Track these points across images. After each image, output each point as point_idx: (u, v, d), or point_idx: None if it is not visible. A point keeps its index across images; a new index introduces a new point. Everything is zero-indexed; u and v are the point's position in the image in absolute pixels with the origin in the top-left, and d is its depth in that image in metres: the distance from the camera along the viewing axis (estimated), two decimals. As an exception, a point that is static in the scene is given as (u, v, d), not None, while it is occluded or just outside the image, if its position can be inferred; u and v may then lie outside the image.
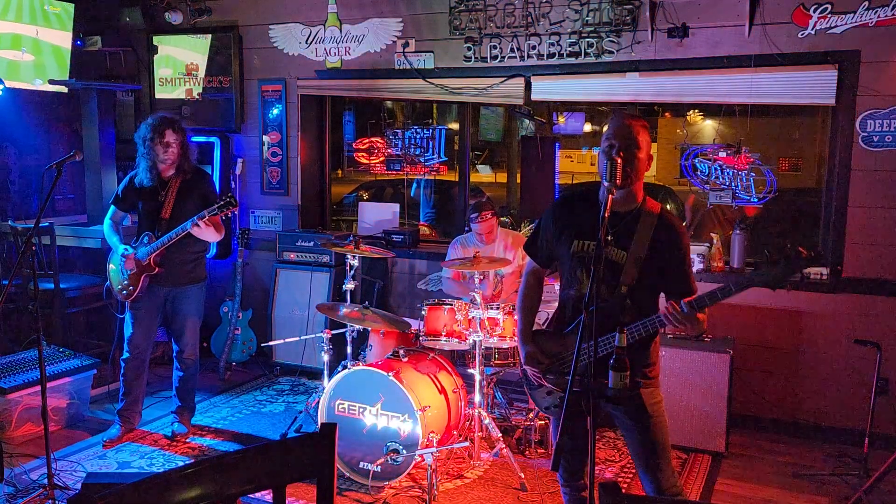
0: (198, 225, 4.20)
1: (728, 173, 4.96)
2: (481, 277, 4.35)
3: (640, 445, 2.76)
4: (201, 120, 6.44)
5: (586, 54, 5.10)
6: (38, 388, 3.88)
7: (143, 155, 4.37)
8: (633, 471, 4.24)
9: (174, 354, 4.68)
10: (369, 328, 4.49)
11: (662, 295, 2.74)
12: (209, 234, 4.34)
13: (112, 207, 4.58)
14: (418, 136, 6.11)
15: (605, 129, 2.70)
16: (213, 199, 4.45)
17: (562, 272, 2.85)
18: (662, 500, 2.57)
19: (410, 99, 6.14)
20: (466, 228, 5.37)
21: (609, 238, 2.61)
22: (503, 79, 5.36)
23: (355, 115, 6.93)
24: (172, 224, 4.31)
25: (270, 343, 5.68)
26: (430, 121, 7.03)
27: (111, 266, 4.54)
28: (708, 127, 5.62)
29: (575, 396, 2.26)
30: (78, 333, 6.01)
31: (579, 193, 2.85)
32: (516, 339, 3.08)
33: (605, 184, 2.50)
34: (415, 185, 6.86)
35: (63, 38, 6.01)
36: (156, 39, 6.44)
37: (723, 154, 4.98)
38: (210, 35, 6.27)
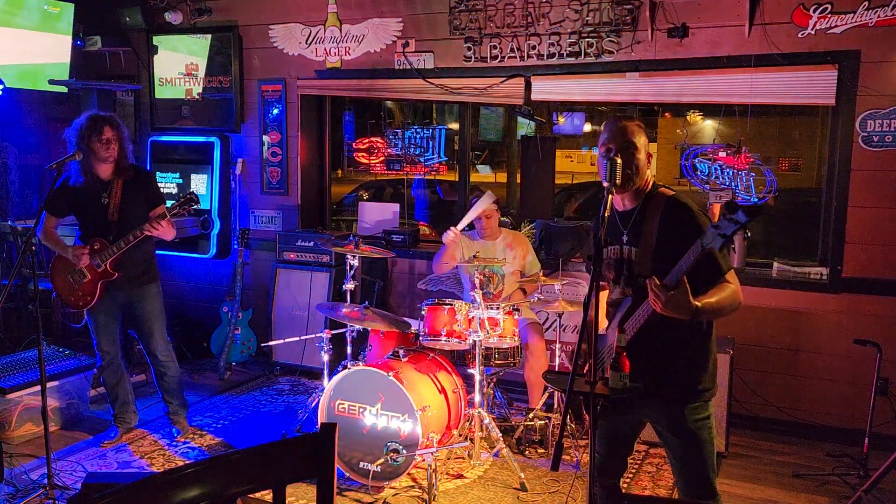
0: (160, 225, 4.12)
1: (728, 173, 4.96)
2: (481, 277, 4.35)
3: (678, 463, 2.71)
4: (201, 120, 6.44)
5: (586, 54, 5.10)
6: (38, 388, 3.88)
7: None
8: (633, 470, 4.25)
9: (149, 360, 4.57)
10: (369, 328, 4.49)
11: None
12: (168, 234, 4.24)
13: (44, 213, 4.20)
14: (418, 136, 6.11)
15: (601, 134, 2.70)
16: (160, 197, 4.37)
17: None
18: (662, 500, 2.57)
19: (410, 99, 6.13)
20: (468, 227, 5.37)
21: (625, 237, 2.65)
22: (503, 79, 5.36)
23: (355, 115, 6.94)
24: (124, 226, 4.18)
25: (270, 343, 5.67)
26: (430, 121, 7.03)
27: (58, 276, 4.32)
28: (708, 127, 5.62)
29: (609, 399, 2.26)
30: (78, 333, 6.01)
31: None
32: None
33: (605, 184, 2.50)
34: (417, 183, 6.86)
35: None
36: (156, 39, 6.44)
37: (723, 154, 4.98)
38: (210, 35, 6.26)
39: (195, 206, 4.18)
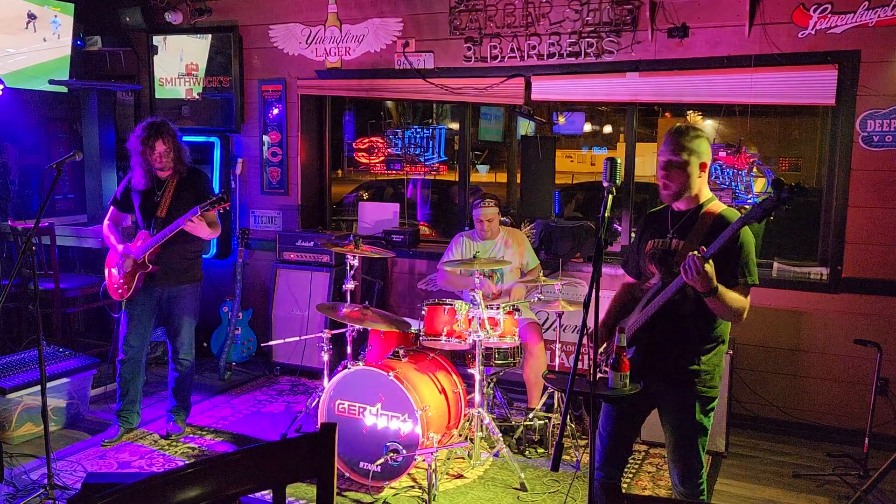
0: (191, 221, 4.22)
1: (728, 173, 4.96)
2: (481, 277, 4.35)
3: (677, 442, 2.88)
4: (201, 120, 6.44)
5: (586, 54, 5.10)
6: (38, 388, 3.88)
7: (138, 163, 4.41)
8: (633, 471, 4.25)
9: (170, 355, 4.67)
10: (369, 328, 4.49)
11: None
12: (202, 231, 4.35)
13: (111, 208, 4.63)
14: (418, 136, 6.11)
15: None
16: (208, 197, 4.48)
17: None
18: (662, 500, 2.58)
19: (410, 99, 6.13)
20: (467, 227, 5.37)
21: (673, 233, 2.85)
22: (503, 79, 5.36)
23: (355, 115, 6.93)
24: (168, 222, 4.35)
25: (270, 343, 5.67)
26: (430, 121, 7.03)
27: (108, 264, 4.56)
28: (708, 127, 5.62)
29: (611, 399, 2.39)
30: (78, 333, 6.01)
31: (657, 210, 3.09)
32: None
33: (606, 184, 2.51)
34: (418, 183, 6.85)
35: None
36: (156, 39, 6.44)
37: (723, 154, 4.98)
38: (210, 35, 6.26)
39: (225, 206, 4.29)
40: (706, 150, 2.83)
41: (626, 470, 4.24)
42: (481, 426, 4.24)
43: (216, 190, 6.19)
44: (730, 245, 2.66)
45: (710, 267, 2.55)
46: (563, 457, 3.70)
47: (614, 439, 2.96)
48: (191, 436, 4.67)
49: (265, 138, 6.24)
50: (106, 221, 4.62)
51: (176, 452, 4.45)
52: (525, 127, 6.54)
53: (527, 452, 4.46)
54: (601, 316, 3.15)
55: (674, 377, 2.84)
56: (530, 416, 4.56)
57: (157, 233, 4.33)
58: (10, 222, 5.73)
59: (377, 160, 6.34)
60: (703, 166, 2.83)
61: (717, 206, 2.87)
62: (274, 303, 5.96)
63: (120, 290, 4.47)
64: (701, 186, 2.85)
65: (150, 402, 5.17)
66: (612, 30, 5.01)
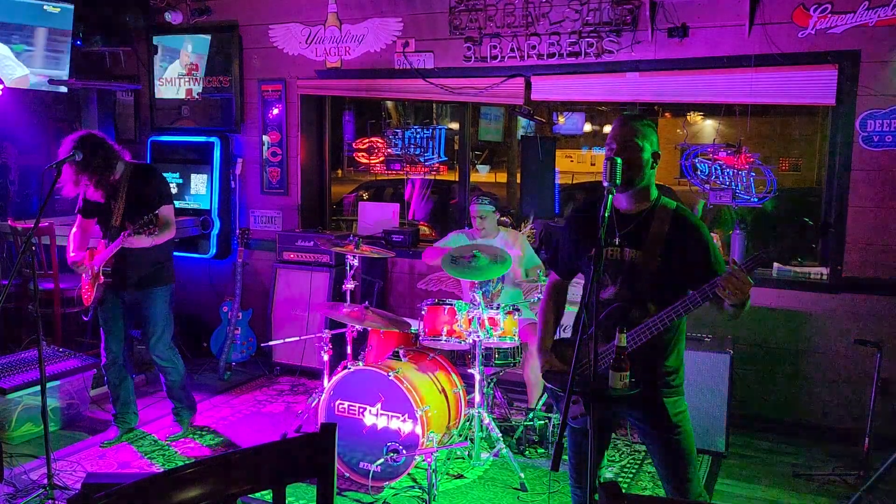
0: (129, 240, 4.08)
1: (728, 173, 4.96)
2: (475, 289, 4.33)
3: (665, 457, 2.73)
4: (201, 120, 6.44)
5: (586, 54, 5.10)
6: (38, 388, 3.88)
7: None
8: (633, 470, 4.25)
9: (155, 364, 4.58)
10: (369, 328, 4.49)
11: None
12: (143, 243, 4.16)
13: (77, 216, 4.50)
14: (418, 136, 6.11)
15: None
16: (160, 198, 4.30)
17: (585, 279, 2.84)
18: (662, 500, 2.57)
19: (410, 99, 6.13)
20: (467, 226, 5.37)
21: (623, 239, 2.64)
22: (503, 79, 5.36)
23: (355, 115, 6.94)
24: (122, 230, 4.18)
25: (270, 343, 5.67)
26: (430, 121, 7.03)
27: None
28: (708, 127, 5.63)
29: (586, 398, 2.27)
30: (77, 333, 6.01)
31: (590, 203, 2.84)
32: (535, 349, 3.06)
33: (605, 184, 2.49)
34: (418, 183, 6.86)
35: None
36: (156, 39, 6.44)
37: (723, 154, 4.98)
38: (210, 35, 6.26)
39: (155, 230, 4.05)
40: (657, 141, 2.66)
41: (626, 470, 4.25)
42: (481, 426, 4.24)
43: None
44: (696, 249, 2.57)
45: (748, 281, 2.38)
46: (563, 457, 3.69)
47: (583, 452, 2.79)
48: (190, 436, 4.67)
49: (265, 138, 6.24)
50: (73, 229, 4.48)
51: (176, 452, 4.45)
52: (522, 124, 6.55)
53: (527, 452, 4.46)
54: (546, 332, 2.97)
55: (641, 386, 2.56)
56: (530, 416, 4.56)
57: (110, 244, 4.21)
58: (9, 222, 5.73)
59: (377, 160, 6.34)
60: (655, 156, 2.64)
61: (669, 204, 2.68)
62: (274, 303, 5.95)
63: (86, 296, 4.41)
64: (651, 181, 2.67)
65: (151, 401, 5.17)
66: (612, 29, 5.01)
